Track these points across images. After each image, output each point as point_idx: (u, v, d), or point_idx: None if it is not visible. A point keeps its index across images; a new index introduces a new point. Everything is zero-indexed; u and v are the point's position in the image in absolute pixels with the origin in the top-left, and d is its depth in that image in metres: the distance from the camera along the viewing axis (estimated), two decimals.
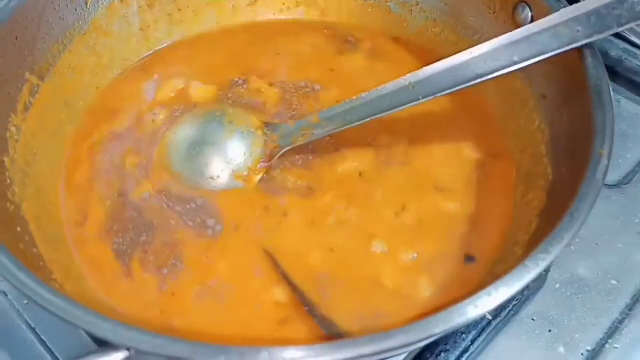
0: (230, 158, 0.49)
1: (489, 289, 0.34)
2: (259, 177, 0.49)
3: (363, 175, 0.49)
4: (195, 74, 0.57)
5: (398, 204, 0.47)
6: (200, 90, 0.55)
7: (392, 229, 0.46)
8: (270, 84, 0.55)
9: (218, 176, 0.48)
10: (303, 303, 0.42)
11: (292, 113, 0.53)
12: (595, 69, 0.41)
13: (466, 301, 0.33)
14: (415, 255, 0.45)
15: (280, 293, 0.43)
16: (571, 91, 0.44)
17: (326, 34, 0.60)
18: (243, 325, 0.42)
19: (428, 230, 0.46)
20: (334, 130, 0.47)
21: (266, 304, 0.43)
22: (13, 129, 0.47)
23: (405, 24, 0.59)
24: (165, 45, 0.60)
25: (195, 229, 0.46)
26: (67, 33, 0.53)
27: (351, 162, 0.50)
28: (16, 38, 0.48)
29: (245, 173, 0.49)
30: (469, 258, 0.45)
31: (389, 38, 0.59)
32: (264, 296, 0.43)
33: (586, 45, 0.42)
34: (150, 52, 0.59)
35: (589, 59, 0.42)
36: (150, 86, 0.56)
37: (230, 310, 0.42)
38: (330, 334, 0.40)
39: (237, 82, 0.56)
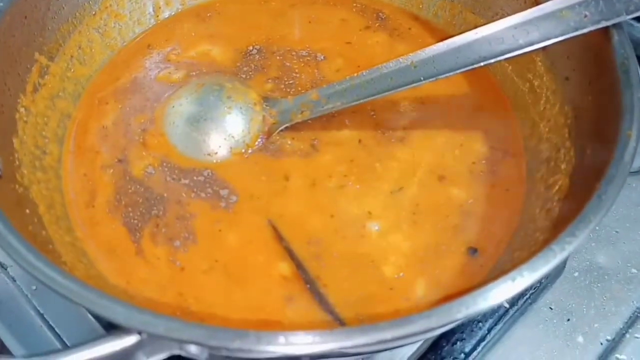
0: (229, 134, 0.48)
1: (512, 273, 0.33)
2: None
3: (362, 142, 0.48)
4: (217, 38, 0.56)
5: (395, 183, 0.46)
6: (216, 56, 0.55)
7: (389, 207, 0.45)
8: (272, 52, 0.55)
9: (216, 152, 0.48)
10: (305, 280, 0.41)
11: (291, 82, 0.53)
12: (622, 48, 0.40)
13: (489, 286, 0.32)
14: (412, 242, 0.44)
15: (285, 268, 0.43)
16: (596, 71, 0.43)
17: (356, 9, 0.59)
18: (251, 303, 0.41)
19: (426, 217, 0.45)
20: (333, 109, 0.47)
21: (273, 279, 0.42)
22: (22, 110, 0.46)
23: (421, 6, 0.58)
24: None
25: (209, 200, 0.46)
26: (77, 13, 0.52)
27: (350, 128, 0.49)
28: (25, 17, 0.47)
29: (243, 150, 0.48)
30: (472, 250, 0.43)
31: (414, 19, 0.58)
32: (270, 271, 0.42)
33: (614, 24, 0.41)
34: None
35: (616, 38, 0.41)
36: (170, 49, 0.56)
37: (237, 287, 0.42)
38: (329, 315, 0.40)
39: (251, 50, 0.55)
